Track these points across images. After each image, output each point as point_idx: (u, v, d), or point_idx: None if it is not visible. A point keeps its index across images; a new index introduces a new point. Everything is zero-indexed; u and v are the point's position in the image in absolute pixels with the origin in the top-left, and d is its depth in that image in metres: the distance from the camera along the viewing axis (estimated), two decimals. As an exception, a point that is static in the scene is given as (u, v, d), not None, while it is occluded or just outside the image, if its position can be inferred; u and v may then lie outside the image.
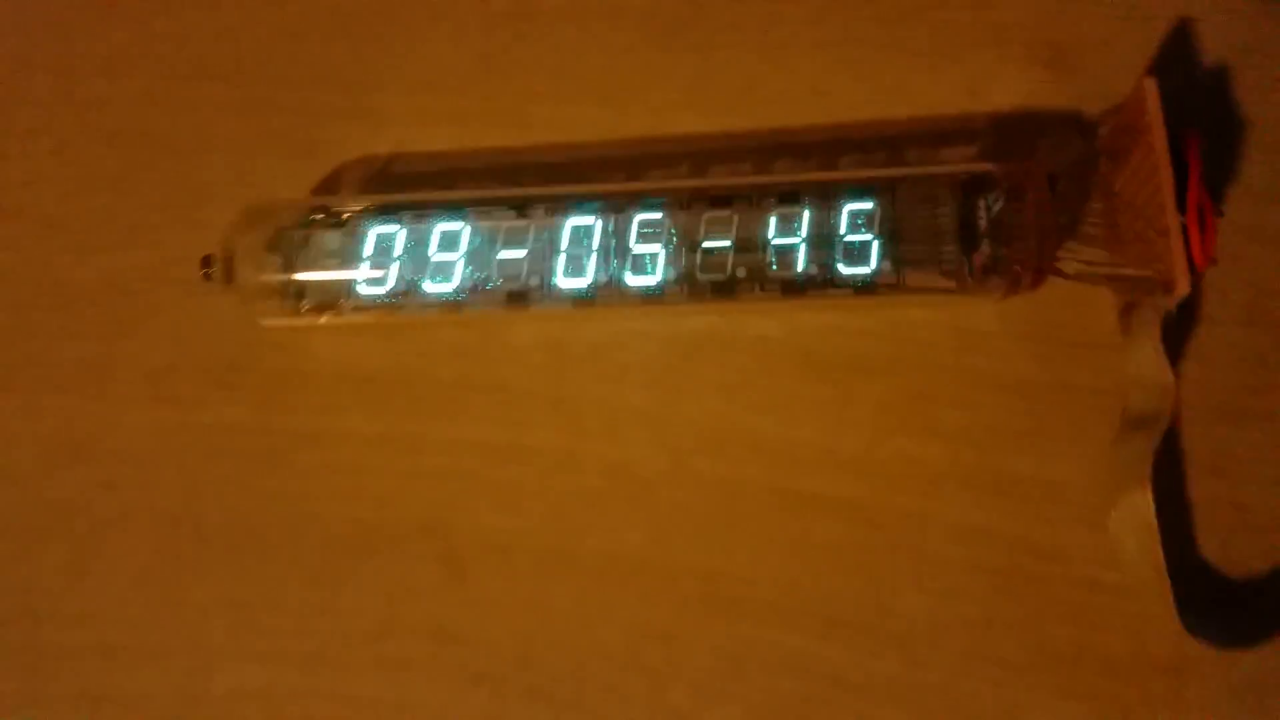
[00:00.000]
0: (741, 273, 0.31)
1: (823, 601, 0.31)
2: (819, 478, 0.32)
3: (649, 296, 0.32)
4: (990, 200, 0.30)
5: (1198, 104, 0.32)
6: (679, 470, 0.32)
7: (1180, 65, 0.33)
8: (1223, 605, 0.30)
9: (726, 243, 0.31)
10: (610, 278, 0.32)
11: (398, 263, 0.32)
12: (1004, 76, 0.33)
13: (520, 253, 0.32)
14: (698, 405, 0.33)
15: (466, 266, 0.32)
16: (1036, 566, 0.31)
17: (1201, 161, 0.28)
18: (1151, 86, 0.28)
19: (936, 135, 0.33)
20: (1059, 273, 0.30)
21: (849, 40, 0.34)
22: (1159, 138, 0.28)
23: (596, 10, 0.35)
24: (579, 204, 0.32)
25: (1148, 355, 0.29)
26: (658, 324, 0.33)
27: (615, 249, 0.32)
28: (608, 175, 0.34)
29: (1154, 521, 0.28)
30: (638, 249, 0.32)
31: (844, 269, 0.31)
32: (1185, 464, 0.31)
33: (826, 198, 0.31)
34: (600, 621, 0.32)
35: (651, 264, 0.32)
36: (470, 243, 0.32)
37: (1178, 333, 0.31)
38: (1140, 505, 0.28)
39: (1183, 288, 0.27)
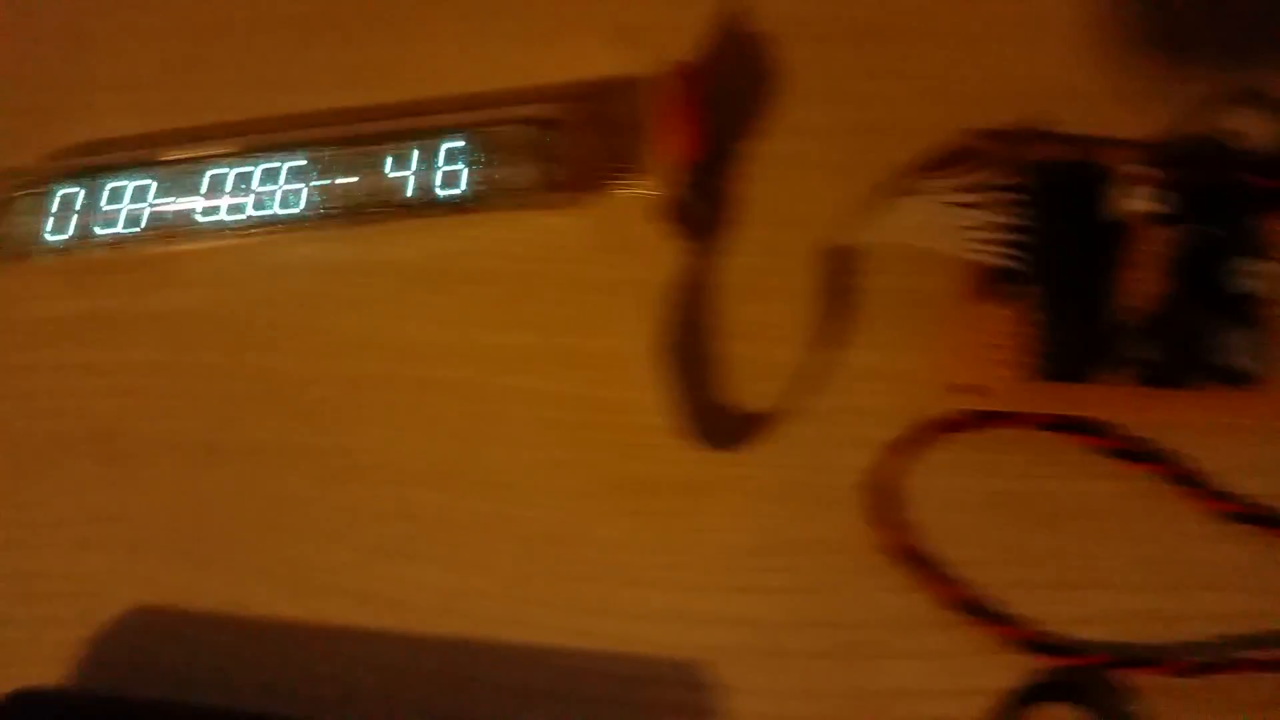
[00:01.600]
0: (368, 200, 0.39)
1: (433, 461, 0.38)
2: (435, 366, 0.39)
3: (294, 224, 0.39)
4: (555, 134, 0.38)
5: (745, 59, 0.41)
6: (320, 371, 0.39)
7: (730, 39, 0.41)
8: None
9: (355, 178, 0.39)
10: (264, 213, 0.39)
11: (77, 215, 0.39)
12: (590, 53, 0.41)
13: (189, 197, 0.40)
14: (340, 319, 0.40)
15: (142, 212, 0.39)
16: (605, 418, 0.38)
17: (700, 85, 0.36)
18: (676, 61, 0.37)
19: (535, 97, 0.41)
20: (616, 189, 0.39)
21: (471, 32, 0.43)
22: (674, 82, 0.36)
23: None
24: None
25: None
26: (308, 253, 0.41)
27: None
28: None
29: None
30: (286, 187, 0.39)
31: (441, 192, 0.38)
32: (723, 331, 0.38)
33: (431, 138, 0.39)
34: (242, 498, 0.39)
35: (295, 199, 0.39)
36: (146, 193, 0.39)
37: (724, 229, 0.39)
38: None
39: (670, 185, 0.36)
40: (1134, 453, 0.36)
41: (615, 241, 0.39)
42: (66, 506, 0.39)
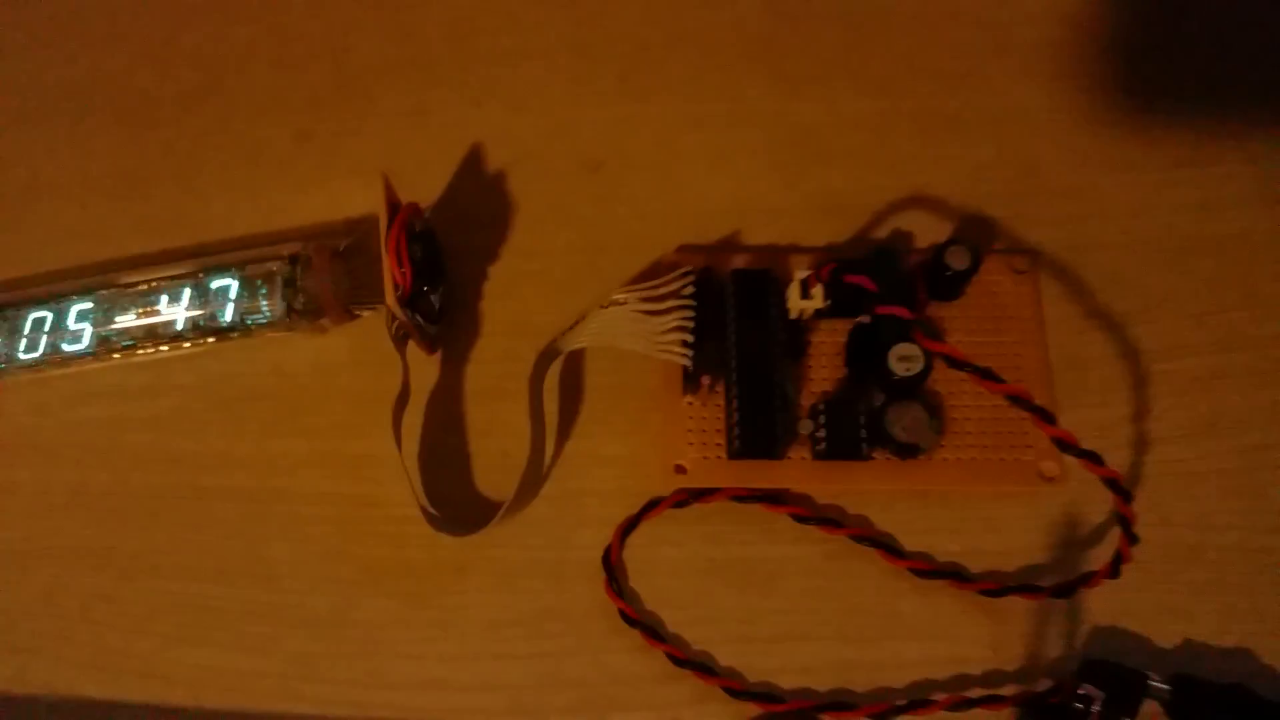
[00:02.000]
0: (156, 332, 0.44)
1: (220, 558, 0.43)
2: (220, 474, 0.44)
3: (86, 358, 0.44)
4: (300, 267, 0.43)
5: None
6: (123, 483, 0.44)
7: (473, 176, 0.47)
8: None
9: (135, 315, 0.44)
10: (58, 348, 0.44)
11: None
12: (342, 197, 0.47)
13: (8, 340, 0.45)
14: (139, 437, 0.45)
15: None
16: (367, 512, 0.43)
17: (403, 221, 0.41)
18: (381, 184, 0.41)
19: (300, 235, 0.46)
20: (365, 312, 0.44)
21: (248, 182, 0.49)
22: (384, 220, 0.41)
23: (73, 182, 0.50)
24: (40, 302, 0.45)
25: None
26: (109, 381, 0.46)
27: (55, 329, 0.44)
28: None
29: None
30: (81, 327, 0.45)
31: (218, 321, 0.44)
32: (467, 430, 0.44)
33: (207, 276, 0.45)
34: (58, 597, 0.44)
35: (87, 338, 0.44)
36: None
37: (466, 340, 0.45)
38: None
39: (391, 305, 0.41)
40: (824, 519, 0.41)
41: (368, 357, 0.45)
42: None
